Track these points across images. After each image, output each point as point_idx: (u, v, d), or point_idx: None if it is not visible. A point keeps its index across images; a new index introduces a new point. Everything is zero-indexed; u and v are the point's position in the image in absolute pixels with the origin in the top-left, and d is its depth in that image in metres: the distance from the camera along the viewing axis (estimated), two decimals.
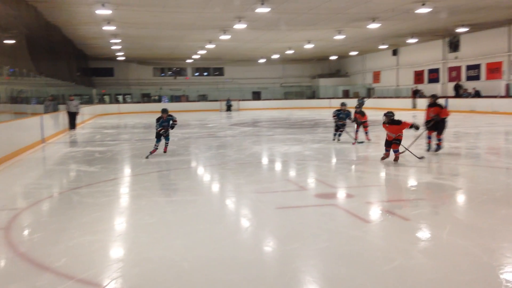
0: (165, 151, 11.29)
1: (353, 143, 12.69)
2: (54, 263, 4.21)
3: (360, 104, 15.45)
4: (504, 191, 7.12)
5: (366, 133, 13.47)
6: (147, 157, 10.62)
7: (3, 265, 4.43)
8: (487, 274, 3.88)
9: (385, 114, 9.47)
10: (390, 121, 9.33)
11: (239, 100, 40.89)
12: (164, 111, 11.08)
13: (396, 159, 9.34)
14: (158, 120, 11.02)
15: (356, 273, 3.90)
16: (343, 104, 13.58)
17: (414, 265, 4.08)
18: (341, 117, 13.27)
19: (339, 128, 13.39)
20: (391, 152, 9.39)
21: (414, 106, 32.49)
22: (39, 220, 5.99)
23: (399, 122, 9.27)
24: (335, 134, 13.51)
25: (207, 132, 18.53)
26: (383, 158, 9.53)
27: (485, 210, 5.96)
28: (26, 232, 5.43)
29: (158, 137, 11.08)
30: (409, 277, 3.83)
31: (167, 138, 11.29)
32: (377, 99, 38.48)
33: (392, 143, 9.33)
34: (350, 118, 13.33)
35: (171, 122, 11.16)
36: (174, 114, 11.32)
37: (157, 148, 10.96)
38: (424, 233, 5.09)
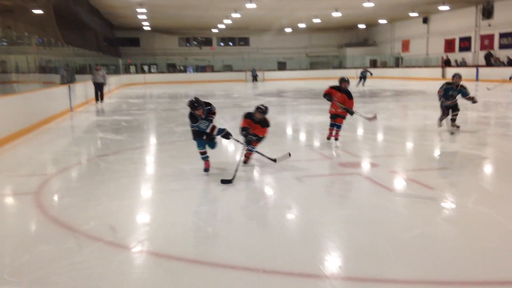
0: (207, 168, 6.54)
1: (334, 139, 8.48)
2: (83, 226, 4.34)
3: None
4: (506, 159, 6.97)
5: (338, 127, 8.35)
6: (206, 170, 6.52)
7: (34, 228, 4.59)
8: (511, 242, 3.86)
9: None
10: None
11: (264, 70, 40.61)
12: (197, 104, 6.10)
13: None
14: (192, 119, 6.24)
15: (378, 240, 3.91)
16: (456, 76, 9.24)
17: (437, 233, 4.05)
18: (450, 94, 9.19)
19: (445, 110, 9.37)
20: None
21: (444, 76, 31.73)
22: (68, 186, 6.15)
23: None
24: (441, 119, 9.58)
25: (232, 102, 18.54)
26: (245, 162, 6.86)
27: (490, 178, 5.89)
28: (55, 197, 5.60)
29: (198, 137, 6.49)
30: (432, 244, 3.81)
31: (212, 144, 6.65)
32: (405, 68, 37.79)
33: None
34: (469, 98, 9.21)
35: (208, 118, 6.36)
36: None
37: (207, 157, 6.58)
38: (448, 202, 5.04)
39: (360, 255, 3.63)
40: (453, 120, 9.26)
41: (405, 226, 4.28)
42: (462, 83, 9.17)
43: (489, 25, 30.35)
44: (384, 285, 3.20)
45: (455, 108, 9.23)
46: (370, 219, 4.44)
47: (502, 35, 29.48)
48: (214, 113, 6.53)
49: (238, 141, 6.55)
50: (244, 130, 6.62)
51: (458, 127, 9.24)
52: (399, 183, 5.91)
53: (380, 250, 3.73)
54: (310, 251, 3.75)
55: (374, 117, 8.81)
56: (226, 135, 6.27)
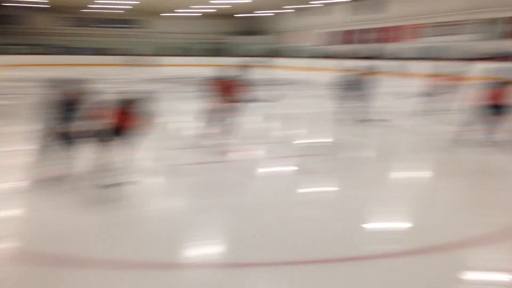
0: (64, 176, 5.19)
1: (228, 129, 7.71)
2: None
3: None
4: (382, 147, 7.72)
5: (223, 120, 7.63)
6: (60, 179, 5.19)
7: None
8: (362, 220, 4.30)
9: None
10: None
11: (152, 55, 39.12)
12: (71, 90, 5.19)
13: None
14: (60, 109, 5.06)
15: (245, 224, 4.10)
16: (359, 68, 9.34)
17: (298, 216, 4.32)
18: (350, 86, 9.11)
19: (347, 101, 9.18)
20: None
21: (342, 68, 32.77)
22: None
23: None
24: (351, 112, 9.28)
25: (110, 88, 17.48)
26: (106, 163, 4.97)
27: (365, 164, 6.57)
28: None
29: (62, 136, 5.05)
30: (291, 226, 4.07)
31: (73, 144, 5.08)
32: (298, 58, 38.65)
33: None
34: (367, 93, 9.14)
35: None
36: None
37: (71, 161, 5.23)
38: (311, 185, 5.37)
39: (226, 241, 3.76)
40: (362, 112, 9.21)
41: (270, 210, 4.47)
42: (363, 76, 9.19)
43: (383, 19, 32.22)
44: (248, 269, 3.30)
45: (361, 99, 9.11)
46: (239, 204, 4.61)
47: (393, 28, 31.71)
48: (79, 106, 5.06)
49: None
50: (116, 126, 4.89)
51: (367, 119, 9.27)
52: (268, 169, 6.19)
53: (246, 232, 3.89)
54: (172, 241, 3.75)
55: (276, 97, 8.25)
56: (100, 137, 4.85)
